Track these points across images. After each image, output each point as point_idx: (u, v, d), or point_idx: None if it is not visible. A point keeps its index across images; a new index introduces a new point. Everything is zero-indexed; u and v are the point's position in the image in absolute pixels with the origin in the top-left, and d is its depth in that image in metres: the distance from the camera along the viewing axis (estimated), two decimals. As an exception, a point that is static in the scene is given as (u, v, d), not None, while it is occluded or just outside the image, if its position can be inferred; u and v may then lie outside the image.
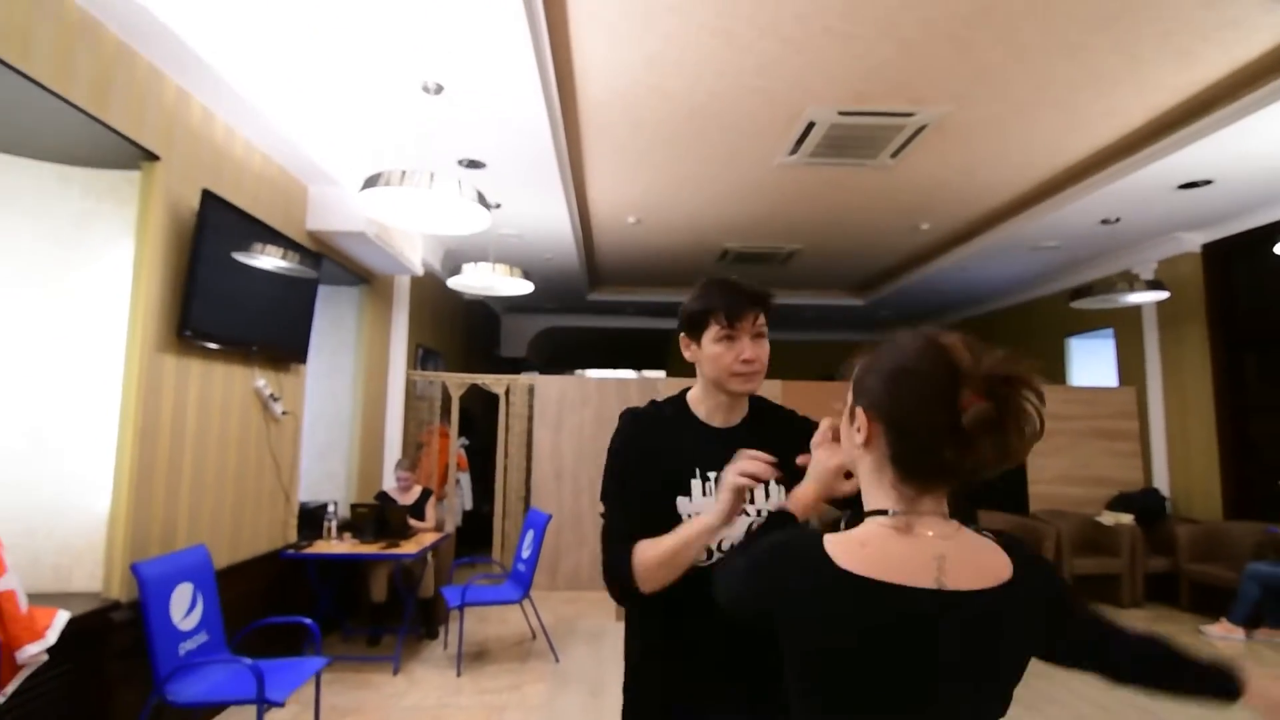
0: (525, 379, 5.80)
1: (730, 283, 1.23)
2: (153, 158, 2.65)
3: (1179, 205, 4.81)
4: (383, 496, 4.44)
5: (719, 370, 1.20)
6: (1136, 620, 4.96)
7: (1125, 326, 6.18)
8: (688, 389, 1.31)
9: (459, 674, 3.59)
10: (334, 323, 4.89)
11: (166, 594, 2.46)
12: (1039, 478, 5.74)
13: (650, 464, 1.20)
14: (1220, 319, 5.34)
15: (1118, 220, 5.13)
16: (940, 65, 3.32)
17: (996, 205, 5.30)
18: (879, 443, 0.82)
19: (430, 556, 4.18)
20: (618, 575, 1.15)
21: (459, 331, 7.42)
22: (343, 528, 4.04)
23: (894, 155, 4.37)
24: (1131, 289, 4.89)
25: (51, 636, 2.10)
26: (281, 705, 2.32)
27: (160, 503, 2.67)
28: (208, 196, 2.81)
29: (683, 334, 1.26)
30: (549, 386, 5.68)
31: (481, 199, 3.03)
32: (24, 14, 2.02)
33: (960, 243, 6.18)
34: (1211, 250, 5.41)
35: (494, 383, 5.74)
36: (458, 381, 5.72)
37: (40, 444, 2.53)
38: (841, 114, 3.81)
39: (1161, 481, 5.71)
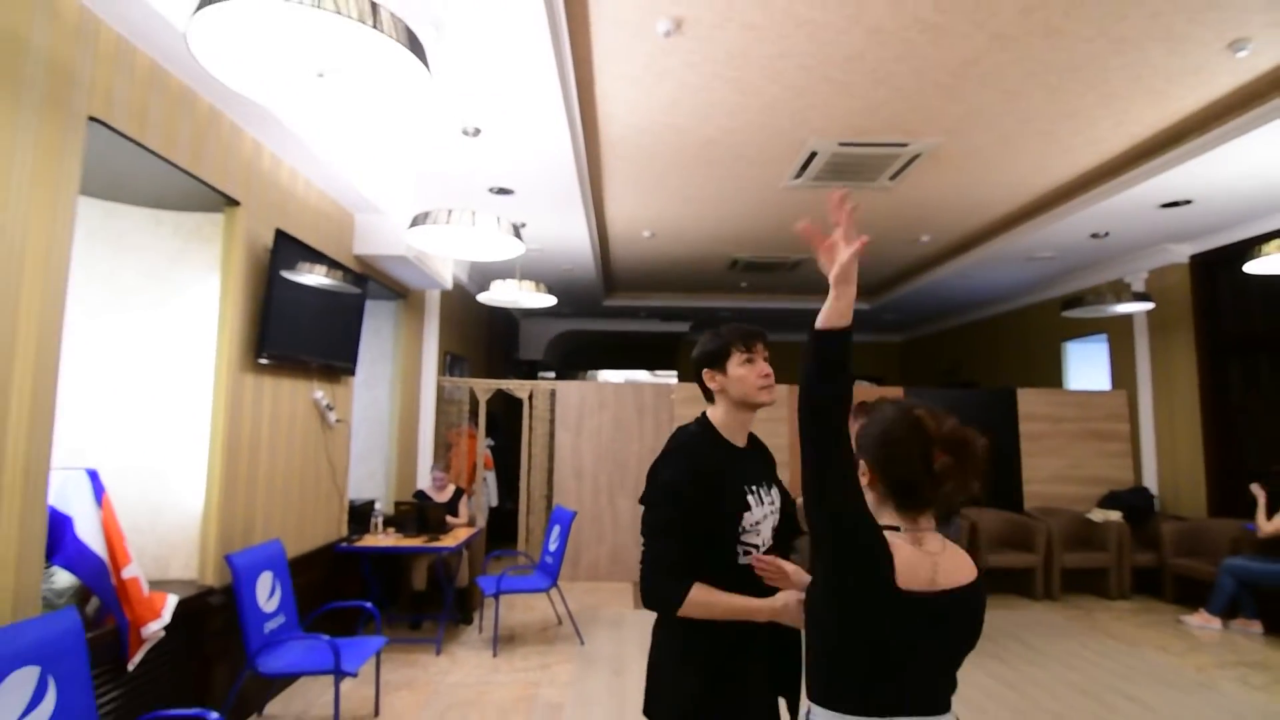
0: (547, 384, 6.19)
1: (737, 325, 1.55)
2: (234, 203, 3.04)
3: (1163, 221, 5.10)
4: (421, 495, 4.85)
5: (746, 388, 1.47)
6: (1123, 611, 5.31)
7: (1117, 332, 6.46)
8: (703, 415, 1.55)
9: (495, 654, 3.99)
10: (373, 334, 5.29)
11: (253, 580, 2.86)
12: (1034, 477, 6.06)
13: (714, 487, 1.42)
14: (1206, 327, 5.63)
15: (1107, 234, 5.43)
16: (931, 106, 3.65)
17: (992, 220, 5.61)
18: (878, 485, 1.18)
19: (465, 549, 4.58)
20: (664, 603, 1.39)
21: (482, 337, 7.82)
22: (386, 523, 4.45)
23: (892, 178, 4.70)
24: (1119, 300, 5.19)
25: (167, 615, 2.52)
26: (355, 675, 2.72)
27: (241, 502, 3.08)
28: (280, 235, 3.20)
29: (705, 370, 1.51)
30: (569, 392, 6.06)
31: (516, 231, 3.41)
32: (141, 92, 2.41)
33: (959, 253, 6.49)
34: (1198, 261, 5.69)
35: (518, 388, 6.13)
36: (484, 387, 6.11)
37: (143, 453, 2.94)
38: (842, 145, 4.15)
39: (1150, 480, 6.01)
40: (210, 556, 2.87)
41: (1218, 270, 5.58)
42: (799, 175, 4.65)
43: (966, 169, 4.52)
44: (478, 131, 3.61)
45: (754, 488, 1.48)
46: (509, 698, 3.40)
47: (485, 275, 6.56)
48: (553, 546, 4.42)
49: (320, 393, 3.80)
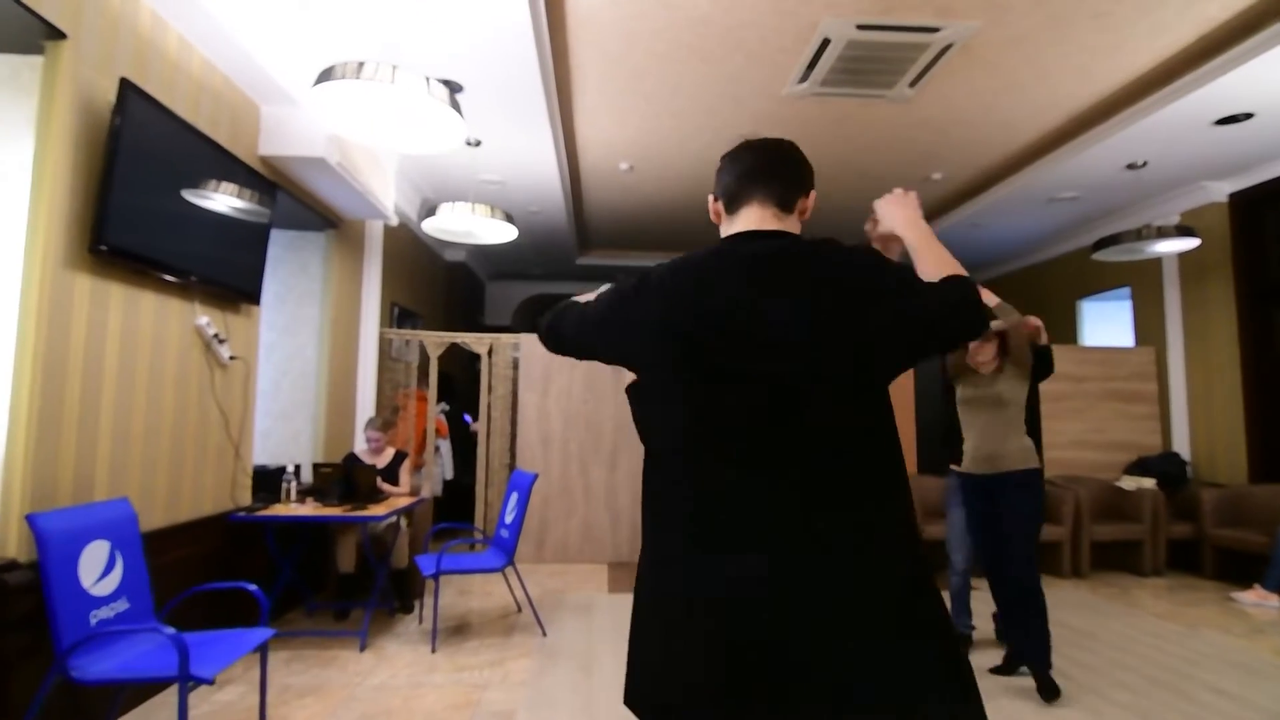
0: (509, 338, 5.39)
1: None
2: (58, 34, 2.21)
3: (1212, 145, 4.47)
4: (351, 458, 4.04)
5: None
6: (1161, 589, 4.72)
7: (1143, 284, 5.87)
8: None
9: (434, 650, 3.22)
10: (298, 270, 4.45)
11: (74, 552, 2.05)
12: (1054, 442, 5.44)
13: None
14: (1248, 272, 5.04)
15: (1144, 164, 4.79)
16: (978, -41, 2.93)
17: (1017, 148, 4.94)
18: None
19: (404, 523, 3.79)
20: None
21: (440, 295, 6.98)
22: (305, 492, 3.64)
23: (913, 84, 3.98)
24: (1161, 236, 4.56)
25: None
26: (211, 683, 1.93)
27: (71, 448, 2.26)
28: (127, 87, 2.37)
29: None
30: (535, 346, 5.27)
31: (454, 101, 2.61)
32: None
33: (974, 195, 5.83)
34: (1239, 199, 5.09)
35: (475, 342, 5.33)
36: (436, 340, 5.30)
37: (-81, 375, 2.11)
38: (860, 27, 3.41)
39: (1181, 445, 5.43)
40: (14, 518, 2.06)
41: (1263, 209, 4.98)
42: (805, 77, 3.91)
43: (1003, 68, 3.82)
44: (406, -22, 2.79)
45: None
46: (443, 705, 2.64)
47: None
48: (509, 518, 3.66)
49: (206, 319, 2.97)
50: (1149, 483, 5.00)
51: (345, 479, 3.53)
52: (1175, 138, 4.37)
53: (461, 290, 7.59)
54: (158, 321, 2.70)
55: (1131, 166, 4.83)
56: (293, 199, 3.81)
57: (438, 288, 6.95)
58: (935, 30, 3.44)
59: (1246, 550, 4.50)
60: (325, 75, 2.45)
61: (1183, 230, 4.57)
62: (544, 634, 3.48)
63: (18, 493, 2.07)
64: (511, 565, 3.49)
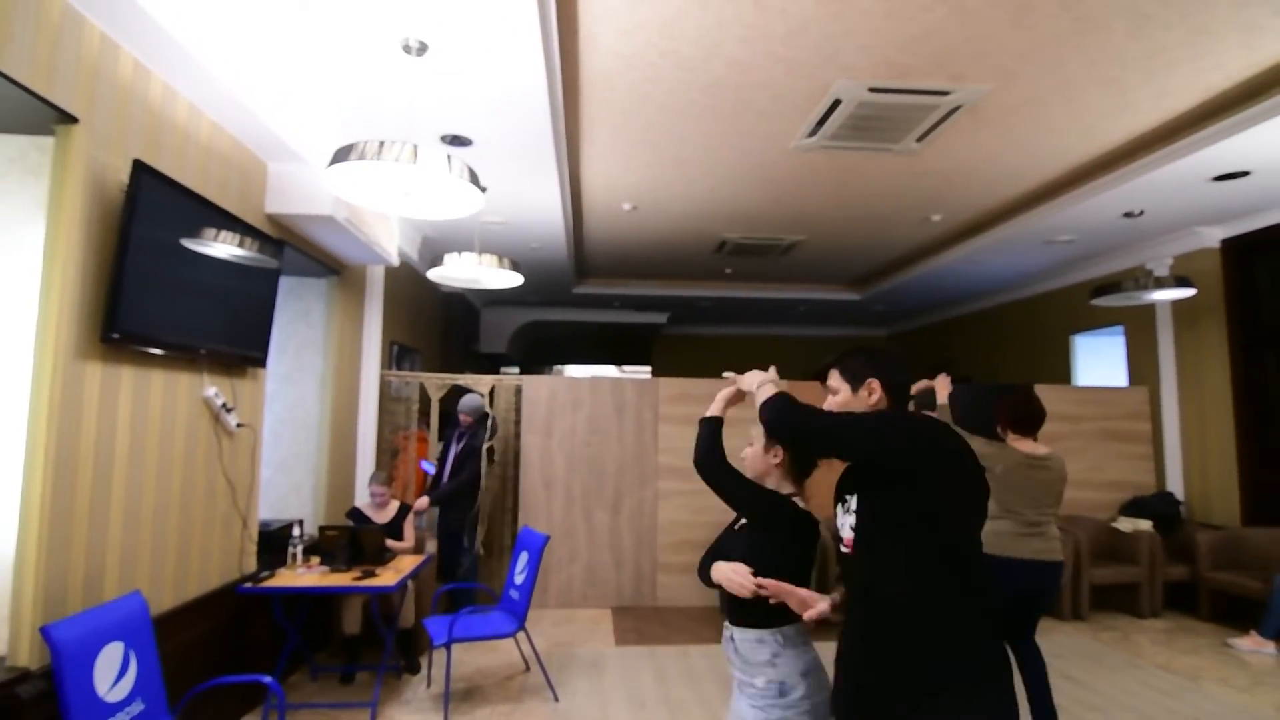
0: (511, 380, 5.35)
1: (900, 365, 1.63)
2: (69, 119, 2.15)
3: (1208, 198, 4.57)
4: (355, 514, 3.97)
5: None
6: (1159, 632, 4.79)
7: (1137, 324, 5.97)
8: None
9: (445, 719, 3.16)
10: (299, 318, 4.38)
11: (89, 659, 1.98)
12: (1052, 482, 5.48)
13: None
14: (1240, 317, 5.14)
15: (1141, 213, 4.87)
16: (992, 34, 2.96)
17: (1017, 195, 5.01)
18: None
19: (410, 583, 3.73)
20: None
21: (435, 326, 6.91)
22: (310, 550, 3.57)
23: (920, 139, 4.02)
24: (1158, 286, 4.64)
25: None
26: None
27: (82, 546, 2.18)
28: (140, 168, 2.31)
29: (875, 380, 1.58)
30: (538, 388, 5.24)
31: (473, 177, 2.58)
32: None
33: (971, 235, 5.90)
34: (1231, 245, 5.20)
35: (477, 383, 5.27)
36: (437, 382, 5.24)
37: (-76, 475, 2.03)
38: (872, 90, 3.44)
39: (1175, 485, 5.51)
40: (24, 627, 1.99)
41: (1254, 255, 5.09)
42: (814, 132, 3.92)
43: (1009, 127, 3.87)
44: (423, 48, 2.76)
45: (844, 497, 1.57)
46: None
47: (439, 252, 5.65)
48: (519, 579, 3.61)
49: (214, 389, 2.90)
50: (1145, 524, 5.07)
51: (352, 541, 3.46)
52: (1173, 191, 4.45)
53: (457, 319, 7.52)
54: (166, 398, 2.63)
55: (1128, 215, 4.91)
56: (297, 251, 3.74)
57: (434, 319, 6.88)
58: (945, 94, 3.47)
59: (1242, 594, 4.58)
60: (343, 154, 2.41)
61: (1180, 280, 4.65)
62: (556, 699, 3.43)
63: (29, 600, 2.00)
64: (523, 630, 3.44)
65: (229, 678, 2.37)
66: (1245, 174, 4.14)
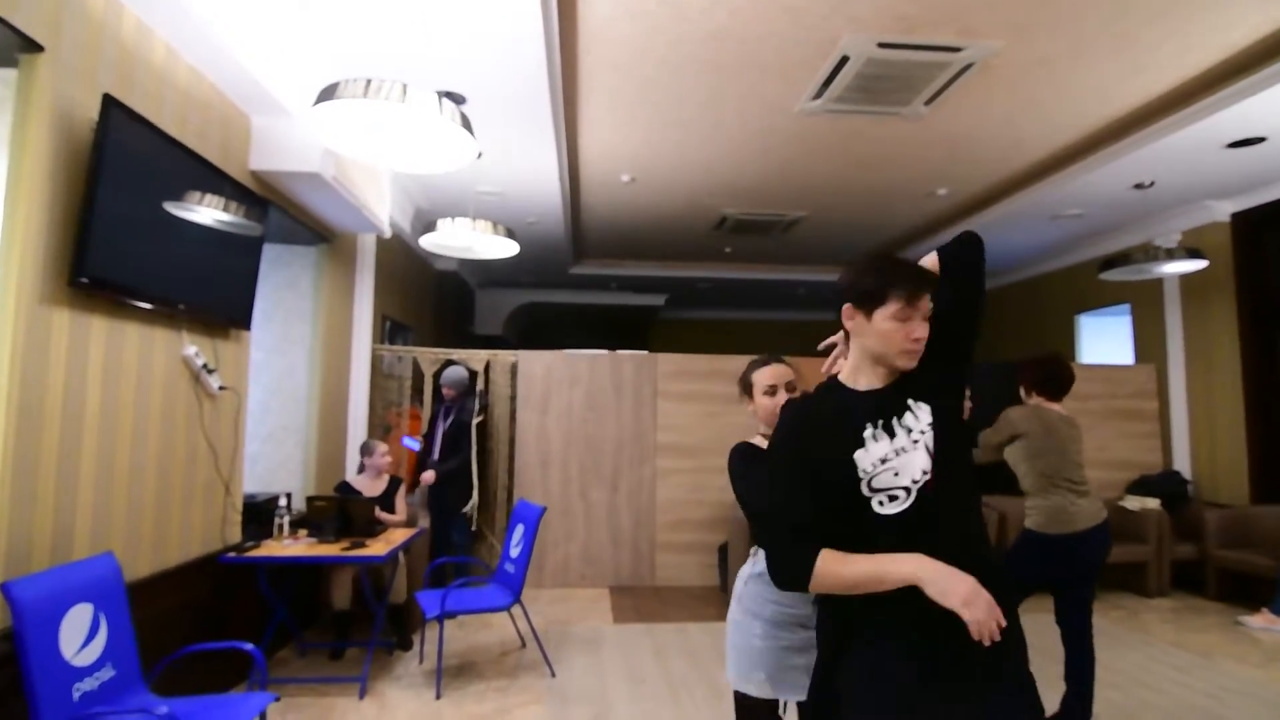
0: (508, 355, 5.22)
1: (907, 263, 1.27)
2: (34, 48, 2.01)
3: (1221, 166, 4.45)
4: (344, 488, 3.85)
5: (889, 346, 1.23)
6: (1167, 611, 4.70)
7: (1143, 302, 5.87)
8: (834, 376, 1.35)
9: (439, 695, 3.05)
10: (287, 287, 4.24)
11: (54, 621, 1.86)
12: (1057, 461, 5.39)
13: (821, 432, 1.25)
14: (1250, 292, 5.04)
15: (1152, 184, 4.77)
16: (1009, -19, 2.84)
17: (1025, 166, 4.89)
18: None
19: (402, 556, 3.61)
20: (793, 572, 1.20)
21: (429, 304, 6.78)
22: (298, 524, 3.45)
23: (928, 102, 3.89)
24: (1169, 257, 4.53)
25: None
26: (210, 766, 1.76)
27: (49, 502, 2.06)
28: (111, 103, 2.17)
29: (849, 305, 1.26)
30: (534, 364, 5.11)
31: (465, 122, 2.45)
32: None
33: (976, 210, 5.78)
34: (1241, 219, 5.09)
35: (472, 359, 5.15)
36: (431, 358, 5.11)
37: (-123, 424, 1.90)
38: (881, 46, 3.31)
39: (1182, 463, 5.43)
40: (-15, 584, 1.86)
41: (1265, 228, 4.99)
42: (820, 93, 3.80)
43: (1020, 89, 3.74)
44: (414, -12, 2.62)
45: (878, 422, 1.23)
46: (456, 764, 2.48)
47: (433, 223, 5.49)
48: (515, 552, 3.50)
49: (194, 348, 2.77)
50: (1153, 503, 4.99)
51: (341, 512, 3.34)
52: (1186, 159, 4.34)
53: (451, 299, 7.38)
54: (142, 355, 2.50)
55: (1139, 186, 4.80)
56: (284, 214, 3.61)
57: (428, 297, 6.75)
58: (956, 50, 3.35)
59: (1251, 573, 4.50)
60: (328, 93, 2.28)
61: (1191, 252, 4.54)
62: (552, 674, 3.32)
63: (-11, 555, 1.87)
64: (518, 602, 3.33)
65: (205, 644, 2.25)
66: (1261, 140, 4.03)
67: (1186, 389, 5.46)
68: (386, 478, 3.93)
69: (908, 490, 1.18)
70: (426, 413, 5.13)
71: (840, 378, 1.32)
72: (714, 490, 5.03)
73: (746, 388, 1.76)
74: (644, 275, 7.97)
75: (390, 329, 5.46)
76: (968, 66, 3.51)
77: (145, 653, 2.17)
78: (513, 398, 5.12)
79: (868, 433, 1.22)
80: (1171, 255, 4.52)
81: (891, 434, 1.22)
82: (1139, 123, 4.11)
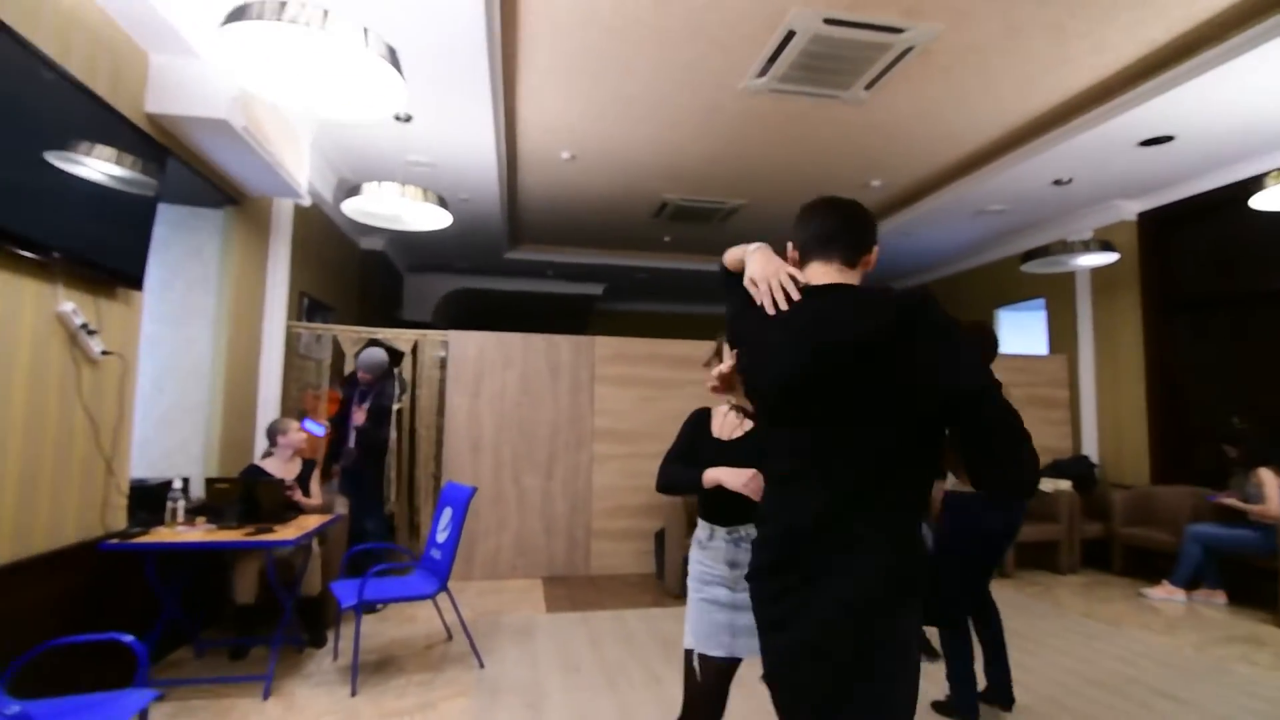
0: (437, 335, 4.95)
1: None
2: None
3: (1133, 165, 4.72)
4: (253, 472, 3.52)
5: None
6: (1078, 586, 4.95)
7: (1057, 296, 6.19)
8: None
9: (354, 692, 2.81)
10: (190, 254, 3.85)
11: (-126, 609, 1.54)
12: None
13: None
14: (1153, 287, 5.39)
15: (1070, 180, 5.01)
16: (953, -42, 2.87)
17: (955, 159, 5.04)
18: None
19: (316, 546, 3.33)
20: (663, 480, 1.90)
21: (353, 286, 6.39)
22: (195, 511, 3.11)
23: (869, 86, 3.93)
24: (1086, 250, 4.78)
25: None
26: (73, 773, 1.50)
27: (-126, 469, 1.72)
28: (-37, 5, 1.85)
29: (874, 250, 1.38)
30: (466, 345, 4.87)
31: (393, 58, 2.25)
32: None
33: (908, 204, 5.94)
34: (1148, 218, 5.43)
35: (399, 339, 4.85)
36: (353, 337, 4.79)
37: None
38: (827, 22, 3.29)
39: (1090, 448, 5.75)
40: None
41: (1168, 227, 5.34)
42: (765, 71, 3.76)
43: (955, 78, 3.83)
44: (336, -88, 2.39)
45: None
46: (373, 762, 2.27)
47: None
48: (441, 537, 3.28)
49: (71, 305, 2.43)
50: (1065, 485, 5.24)
51: (246, 496, 3.04)
52: (1101, 156, 4.57)
53: (378, 282, 6.99)
54: (7, 307, 2.16)
55: (1058, 182, 5.04)
56: (186, 168, 3.26)
57: (352, 278, 6.36)
58: (899, 31, 3.38)
59: (1153, 548, 4.79)
60: (238, 13, 2.03)
61: (1104, 245, 4.80)
62: (481, 665, 3.13)
63: None
64: (445, 590, 3.12)
65: (71, 638, 1.95)
66: (1169, 139, 4.29)
67: (1095, 378, 5.79)
68: (300, 461, 3.62)
69: None
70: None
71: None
72: (651, 476, 4.91)
73: (720, 351, 1.86)
74: (582, 263, 7.81)
75: (309, 308, 5.08)
76: (908, 50, 3.55)
77: (5, 653, 1.86)
78: (442, 380, 4.86)
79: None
80: (1087, 247, 4.76)
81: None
82: (1061, 118, 4.29)
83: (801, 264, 1.34)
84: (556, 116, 4.36)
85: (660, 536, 4.77)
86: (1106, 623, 3.92)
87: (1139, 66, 3.70)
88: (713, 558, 1.76)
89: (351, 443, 4.27)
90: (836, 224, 1.32)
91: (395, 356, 4.75)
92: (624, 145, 4.82)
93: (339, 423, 4.44)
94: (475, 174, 5.02)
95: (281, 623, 2.93)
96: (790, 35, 3.42)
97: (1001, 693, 2.71)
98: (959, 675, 2.57)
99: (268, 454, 3.64)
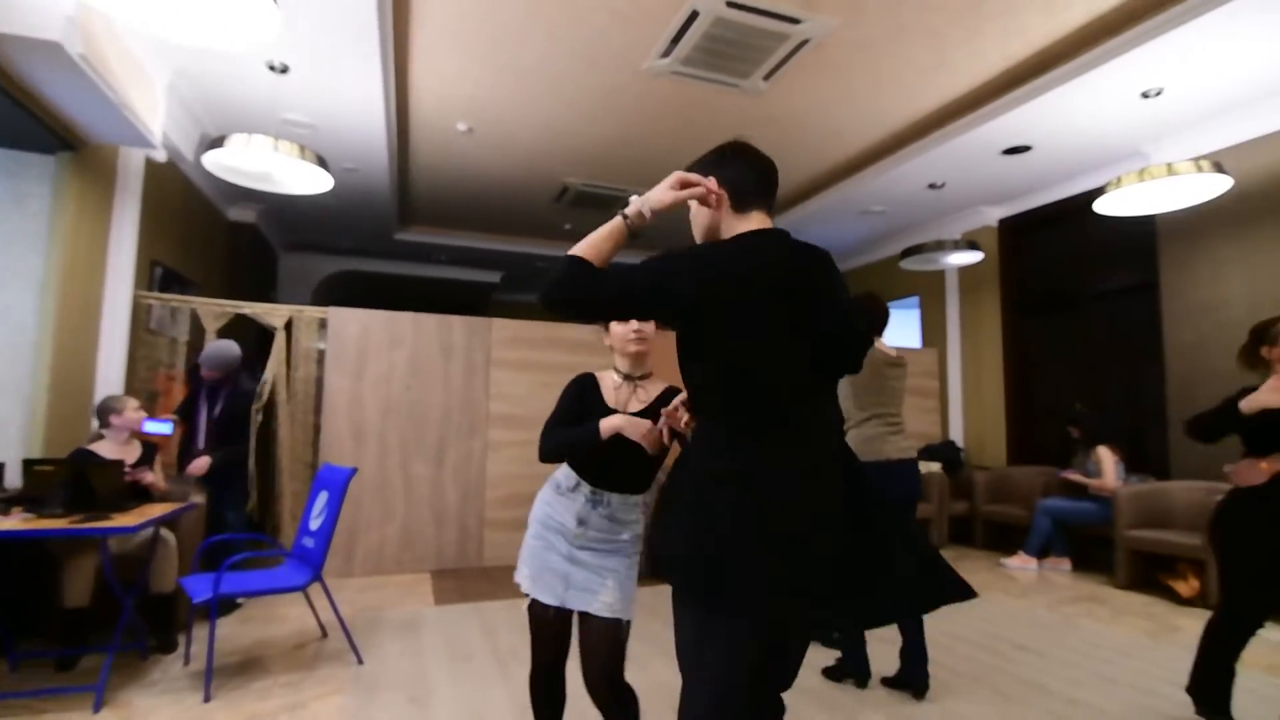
0: (314, 312, 4.57)
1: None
2: None
3: (997, 173, 5.17)
4: (84, 455, 3.06)
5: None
6: (948, 559, 5.31)
7: (930, 294, 6.67)
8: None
9: (207, 698, 2.50)
10: (12, 204, 3.31)
11: None
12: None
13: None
14: (1010, 287, 5.93)
15: (943, 185, 5.41)
16: (848, -50, 2.98)
17: (842, 159, 5.30)
18: None
19: (170, 538, 2.95)
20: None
21: (219, 263, 5.79)
22: (11, 501, 2.65)
23: (767, 77, 4.04)
24: (956, 248, 5.17)
25: None
26: None
27: None
28: None
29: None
30: (348, 322, 4.52)
31: (267, -19, 2.02)
32: None
33: (799, 202, 6.19)
34: (1007, 224, 5.98)
35: (270, 314, 4.43)
36: (215, 312, 4.32)
37: None
38: (730, 4, 3.34)
39: (957, 434, 6.24)
40: None
41: (1023, 233, 5.90)
42: (668, 51, 3.77)
43: (845, 73, 4.01)
44: None
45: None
46: (228, 769, 2.01)
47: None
48: (315, 523, 3.00)
49: None
50: (936, 467, 5.65)
51: (75, 481, 2.62)
52: (970, 163, 4.97)
53: (248, 259, 6.38)
54: None
55: (933, 186, 5.43)
56: (8, 100, 2.78)
57: (218, 252, 5.76)
58: (797, 22, 3.48)
59: (1009, 523, 5.26)
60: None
61: (971, 244, 5.22)
62: (360, 661, 2.89)
63: None
64: (318, 581, 2.86)
65: None
66: (1028, 149, 4.73)
67: (961, 370, 6.29)
68: (139, 445, 3.19)
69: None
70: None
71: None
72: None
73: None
74: (478, 248, 7.53)
75: (163, 278, 4.53)
76: (804, 42, 3.68)
77: None
78: (320, 361, 4.49)
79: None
80: (957, 246, 5.16)
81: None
82: (937, 124, 4.62)
83: (738, 209, 1.29)
84: (452, 82, 4.15)
85: (557, 524, 4.65)
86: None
87: (1004, 78, 4.04)
88: (565, 509, 1.74)
89: (201, 443, 3.69)
90: (772, 175, 1.33)
91: (265, 335, 4.33)
92: (524, 121, 4.68)
93: (187, 415, 3.77)
94: (361, 140, 4.69)
95: (120, 624, 2.55)
96: (694, 15, 3.44)
97: (915, 675, 2.63)
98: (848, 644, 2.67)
99: (97, 437, 3.18)
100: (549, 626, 1.73)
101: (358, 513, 4.36)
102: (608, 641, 1.65)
